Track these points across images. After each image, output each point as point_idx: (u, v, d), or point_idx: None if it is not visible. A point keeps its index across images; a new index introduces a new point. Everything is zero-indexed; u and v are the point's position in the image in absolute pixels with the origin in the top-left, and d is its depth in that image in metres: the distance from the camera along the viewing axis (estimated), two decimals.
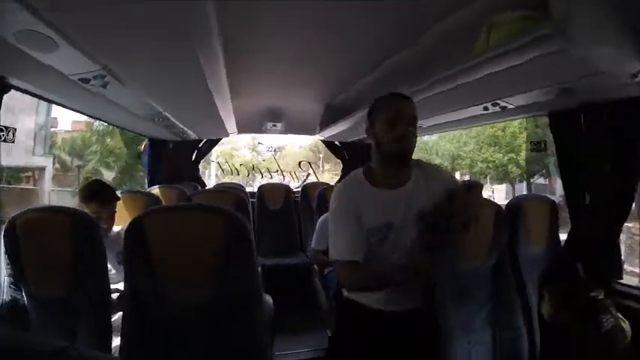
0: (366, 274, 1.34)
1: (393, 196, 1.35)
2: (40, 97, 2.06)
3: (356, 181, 1.39)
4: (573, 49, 1.08)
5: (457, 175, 16.05)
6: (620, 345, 1.73)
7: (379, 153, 1.38)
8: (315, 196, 3.54)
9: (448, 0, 1.51)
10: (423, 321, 1.45)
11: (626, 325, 1.78)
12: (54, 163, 13.94)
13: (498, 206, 1.79)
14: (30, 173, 13.03)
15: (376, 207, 1.34)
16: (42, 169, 13.20)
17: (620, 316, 1.80)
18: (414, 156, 1.39)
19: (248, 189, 4.42)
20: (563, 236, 2.19)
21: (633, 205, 1.90)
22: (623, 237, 2.24)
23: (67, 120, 14.87)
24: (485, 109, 2.06)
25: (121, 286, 1.75)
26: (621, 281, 2.04)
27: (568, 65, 1.30)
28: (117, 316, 1.56)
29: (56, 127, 14.73)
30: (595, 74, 1.40)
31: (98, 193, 1.90)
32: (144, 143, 4.40)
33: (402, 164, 1.37)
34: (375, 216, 1.33)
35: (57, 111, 12.48)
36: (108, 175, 13.44)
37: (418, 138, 1.41)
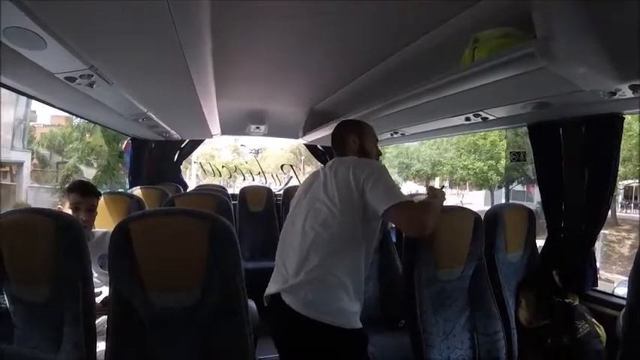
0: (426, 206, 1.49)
1: None
2: (24, 94, 2.03)
3: None
4: (554, 68, 1.11)
5: (437, 181, 16.16)
6: (595, 350, 1.79)
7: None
8: None
9: (435, 12, 1.54)
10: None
11: (601, 330, 1.83)
12: (32, 159, 13.61)
13: (477, 214, 1.82)
14: (7, 168, 12.68)
15: None
16: (20, 164, 12.88)
17: (595, 322, 1.86)
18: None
19: (229, 190, 4.38)
20: (540, 242, 2.23)
21: (610, 212, 1.95)
22: (599, 244, 2.31)
23: (46, 114, 14.56)
24: (467, 119, 2.10)
25: (103, 289, 1.74)
26: (596, 288, 2.09)
27: (549, 82, 1.35)
28: (99, 320, 1.55)
29: (35, 121, 14.39)
30: (574, 91, 1.45)
31: (82, 185, 1.93)
32: (125, 142, 4.32)
33: None
34: None
35: (36, 104, 12.18)
36: (89, 174, 13.15)
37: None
